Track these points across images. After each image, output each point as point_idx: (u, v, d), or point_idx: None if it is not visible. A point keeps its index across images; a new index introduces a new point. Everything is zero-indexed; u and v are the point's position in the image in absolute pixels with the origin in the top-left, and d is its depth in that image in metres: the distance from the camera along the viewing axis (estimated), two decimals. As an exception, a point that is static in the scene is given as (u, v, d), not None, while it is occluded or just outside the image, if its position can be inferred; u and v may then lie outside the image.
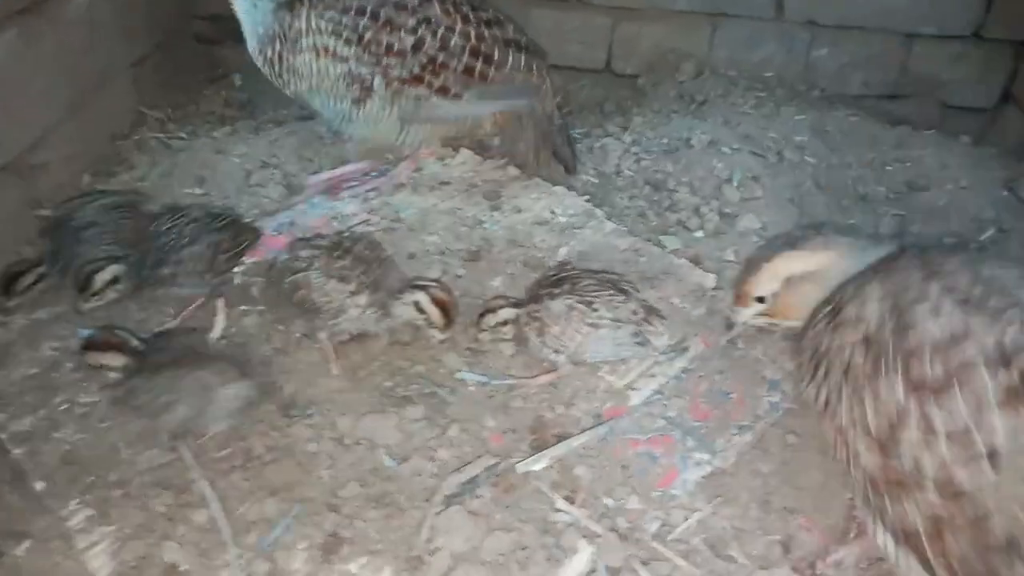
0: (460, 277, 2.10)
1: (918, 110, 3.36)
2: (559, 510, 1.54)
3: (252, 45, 2.28)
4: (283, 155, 2.73)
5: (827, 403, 1.33)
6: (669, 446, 1.69)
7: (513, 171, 2.57)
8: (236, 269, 2.08)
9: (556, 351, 1.78)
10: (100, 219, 2.02)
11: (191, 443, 1.62)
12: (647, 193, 2.61)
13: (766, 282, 1.54)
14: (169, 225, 1.99)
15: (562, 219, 2.34)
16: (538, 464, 1.61)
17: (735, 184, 2.62)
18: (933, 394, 1.13)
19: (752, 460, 1.70)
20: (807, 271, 1.49)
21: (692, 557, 1.49)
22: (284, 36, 2.18)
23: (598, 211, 2.39)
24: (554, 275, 1.84)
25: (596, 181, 2.66)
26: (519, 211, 2.37)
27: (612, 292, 1.79)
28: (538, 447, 1.65)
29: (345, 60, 2.15)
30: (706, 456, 1.67)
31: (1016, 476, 1.06)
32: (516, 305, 1.81)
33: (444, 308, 1.76)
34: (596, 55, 3.56)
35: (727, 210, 2.54)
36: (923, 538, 1.15)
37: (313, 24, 2.14)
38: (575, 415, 1.74)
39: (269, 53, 2.22)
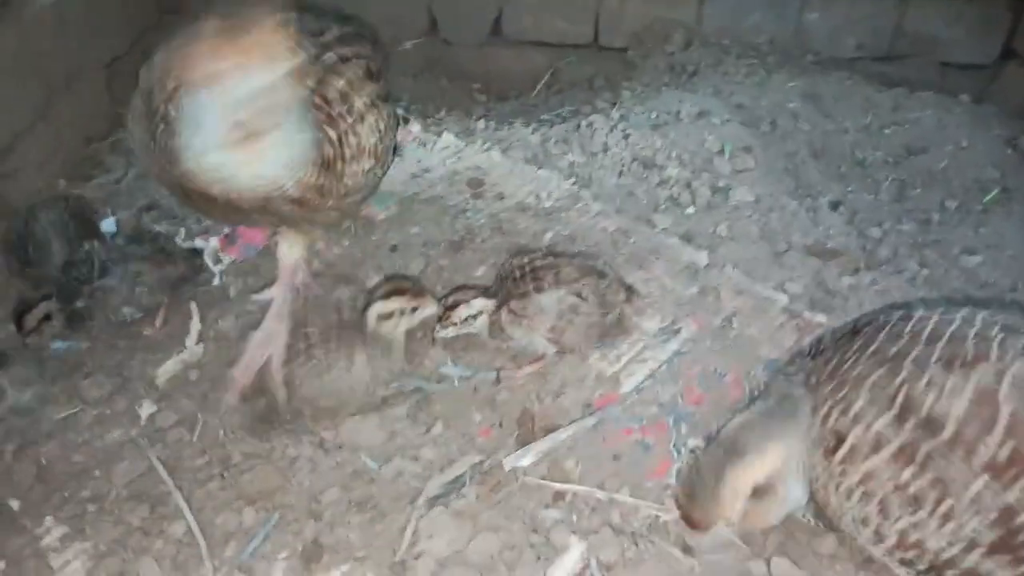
0: (443, 268, 2.03)
1: (915, 71, 3.25)
2: (548, 506, 1.48)
3: None
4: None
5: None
6: (662, 434, 1.62)
7: (496, 156, 2.49)
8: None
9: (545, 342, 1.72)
10: (44, 236, 1.91)
11: (163, 452, 1.57)
12: (636, 170, 2.53)
13: (728, 506, 1.31)
14: (84, 256, 1.85)
15: (547, 203, 2.27)
16: (525, 459, 1.55)
17: (726, 156, 2.54)
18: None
19: (749, 444, 1.64)
20: (769, 473, 1.30)
21: (689, 549, 1.43)
22: None
23: (584, 193, 2.32)
24: (528, 262, 1.75)
25: (583, 160, 2.58)
26: (502, 197, 2.30)
27: (595, 277, 1.73)
28: (526, 441, 1.59)
29: None
30: (701, 443, 1.61)
31: None
32: (485, 294, 1.73)
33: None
34: (583, 29, 3.46)
35: (719, 184, 2.46)
36: None
37: None
38: (564, 405, 1.68)
39: None
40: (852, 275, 2.09)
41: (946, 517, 1.14)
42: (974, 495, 1.12)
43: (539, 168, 2.44)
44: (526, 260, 1.74)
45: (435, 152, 2.53)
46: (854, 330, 1.33)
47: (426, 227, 2.19)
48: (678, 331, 1.85)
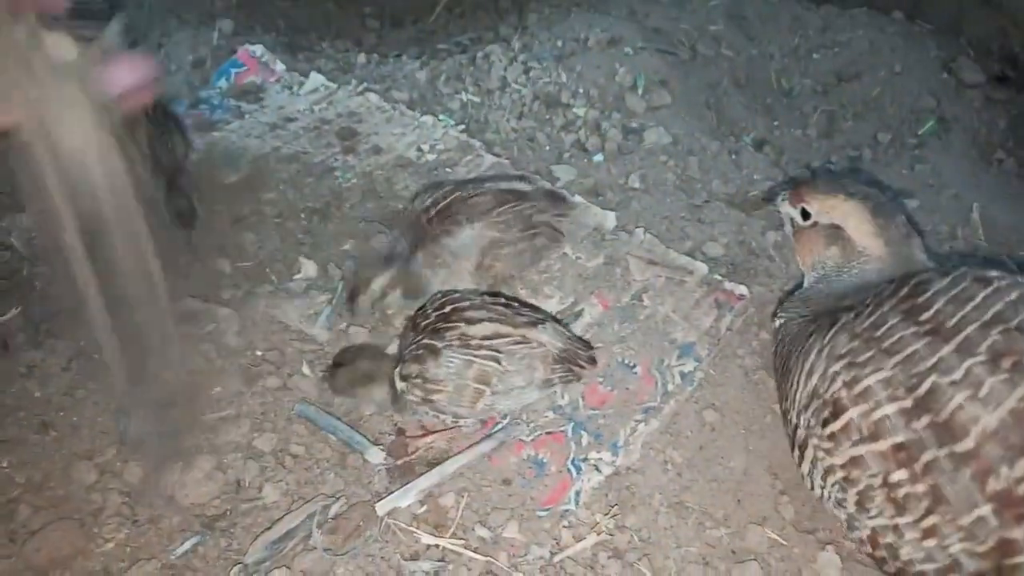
0: (302, 243, 1.69)
1: (846, -17, 2.96)
2: (417, 556, 1.21)
3: None
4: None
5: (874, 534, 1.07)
6: (559, 447, 1.36)
7: (374, 99, 2.12)
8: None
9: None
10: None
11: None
12: (537, 111, 2.20)
13: (824, 206, 1.31)
14: None
15: (430, 157, 1.93)
16: (405, 500, 1.26)
17: (640, 91, 2.23)
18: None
19: (662, 450, 1.39)
20: (856, 227, 1.29)
21: (582, 599, 1.19)
22: None
23: (475, 142, 1.98)
24: (441, 197, 1.52)
25: (477, 100, 2.23)
26: (378, 151, 1.94)
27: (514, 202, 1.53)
28: (404, 475, 1.30)
29: None
30: (605, 455, 1.35)
31: None
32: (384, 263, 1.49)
33: None
34: (483, -57, 3.04)
35: (632, 124, 2.16)
36: None
37: None
38: (447, 421, 1.39)
39: None
40: (777, 229, 1.83)
41: (931, 532, 0.99)
42: (973, 520, 0.95)
43: (423, 113, 2.08)
44: (430, 200, 1.51)
45: (301, 97, 2.13)
46: (916, 283, 1.11)
47: (284, 192, 1.83)
48: (580, 313, 1.57)
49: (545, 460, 1.34)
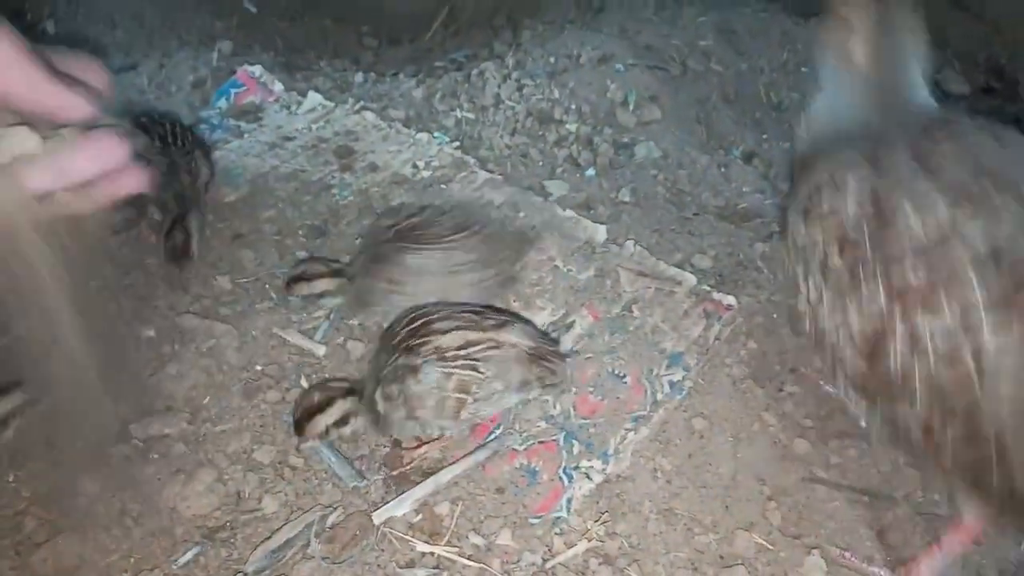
0: (302, 261, 1.73)
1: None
2: (413, 564, 1.24)
3: None
4: (97, 119, 2.27)
5: (808, 301, 1.21)
6: (551, 456, 1.40)
7: (371, 117, 2.17)
8: None
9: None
10: None
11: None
12: (530, 127, 2.25)
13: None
14: None
15: (426, 174, 1.97)
16: (400, 509, 1.30)
17: (631, 107, 2.27)
18: (919, 303, 1.03)
19: (652, 457, 1.43)
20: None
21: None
22: None
23: (469, 159, 2.02)
24: (398, 223, 1.54)
25: (471, 117, 2.27)
26: (375, 169, 1.99)
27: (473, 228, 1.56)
28: (400, 485, 1.34)
29: None
30: (596, 463, 1.39)
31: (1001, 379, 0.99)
32: (334, 272, 1.52)
33: None
34: (478, -39, 3.10)
35: (623, 139, 2.21)
36: (913, 437, 1.11)
37: None
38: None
39: None
40: (765, 241, 1.87)
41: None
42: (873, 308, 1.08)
43: (419, 131, 2.12)
44: (391, 221, 1.54)
45: (299, 116, 2.18)
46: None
47: (283, 209, 1.87)
48: (571, 325, 1.60)
49: (537, 469, 1.38)
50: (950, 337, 1.01)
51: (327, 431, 1.30)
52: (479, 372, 1.30)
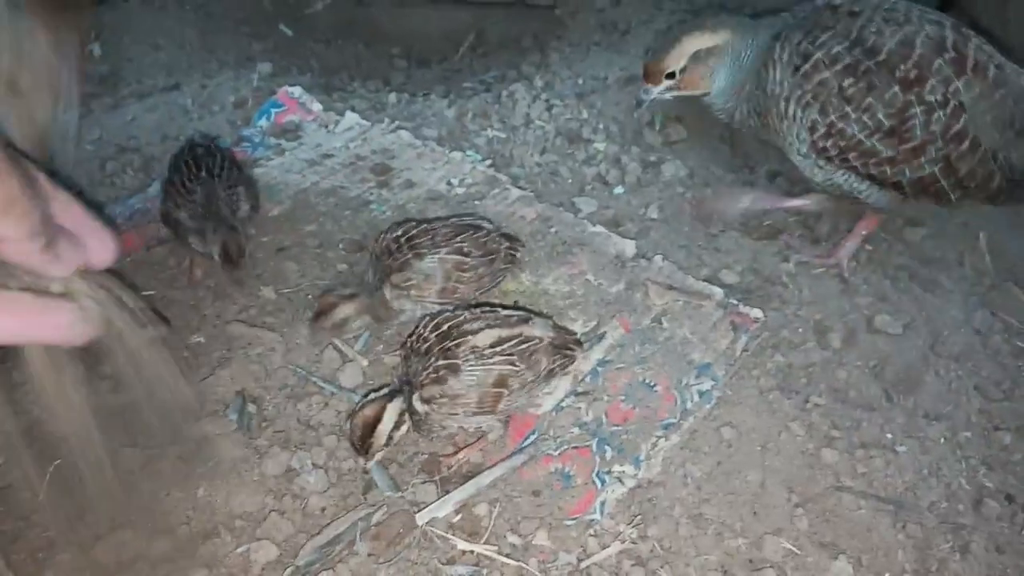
0: (341, 272, 1.81)
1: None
2: (454, 561, 1.29)
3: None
4: (143, 136, 2.38)
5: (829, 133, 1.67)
6: (584, 461, 1.45)
7: (406, 136, 2.25)
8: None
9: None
10: None
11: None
12: (560, 146, 2.31)
13: (677, 59, 1.76)
14: None
15: (460, 190, 2.04)
16: (442, 510, 1.35)
17: (657, 127, 2.34)
18: (918, 86, 1.60)
19: (682, 464, 1.48)
20: (711, 46, 1.75)
21: (613, 599, 1.27)
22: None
23: (501, 176, 2.10)
24: (402, 233, 1.62)
25: (503, 137, 2.35)
26: (411, 186, 2.06)
27: (472, 232, 1.65)
28: (443, 486, 1.40)
29: None
30: (628, 468, 1.44)
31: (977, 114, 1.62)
32: (351, 299, 1.58)
33: None
34: (506, -14, 3.20)
35: (650, 158, 2.27)
36: (940, 177, 1.66)
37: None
38: (472, 435, 1.48)
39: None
40: (790, 261, 1.92)
41: (865, 109, 1.62)
42: (889, 96, 1.61)
43: (452, 149, 2.20)
44: (399, 232, 1.62)
45: (337, 134, 2.27)
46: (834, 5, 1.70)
47: (323, 224, 1.95)
48: (602, 336, 1.66)
49: (571, 473, 1.43)
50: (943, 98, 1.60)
51: (390, 439, 1.35)
52: (515, 366, 1.38)
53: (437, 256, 1.59)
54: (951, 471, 1.53)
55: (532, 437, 1.48)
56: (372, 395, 1.40)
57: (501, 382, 1.37)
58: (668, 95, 1.84)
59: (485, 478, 1.39)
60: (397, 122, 2.33)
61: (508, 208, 1.99)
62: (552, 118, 2.41)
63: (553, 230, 1.92)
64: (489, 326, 1.40)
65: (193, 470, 1.41)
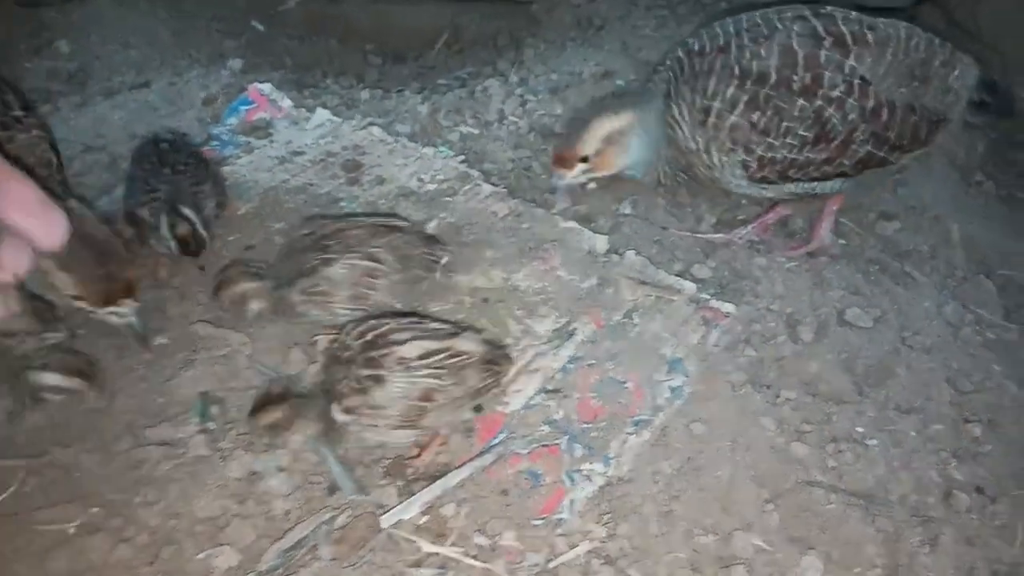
0: (224, 268, 1.75)
1: (831, 15, 3.07)
2: (420, 564, 1.28)
3: None
4: (110, 134, 2.33)
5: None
6: (553, 459, 1.43)
7: (377, 132, 2.22)
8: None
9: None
10: None
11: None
12: (533, 141, 2.30)
13: (591, 143, 1.83)
14: None
15: (431, 186, 2.02)
16: (408, 512, 1.33)
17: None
18: (818, 87, 1.66)
19: (652, 461, 1.47)
20: (621, 127, 1.82)
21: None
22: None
23: (474, 172, 2.07)
24: (313, 232, 1.59)
25: (475, 132, 2.33)
26: (382, 182, 2.04)
27: (389, 235, 1.60)
28: (409, 487, 1.38)
29: None
30: (597, 466, 1.43)
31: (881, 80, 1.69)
32: (253, 276, 1.54)
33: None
34: (483, -19, 3.17)
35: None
36: (876, 150, 1.74)
37: None
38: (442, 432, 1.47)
39: None
40: (764, 255, 1.92)
41: (785, 134, 1.69)
42: (799, 111, 1.67)
43: (424, 145, 2.17)
44: (310, 230, 1.58)
45: (308, 131, 2.24)
46: (698, 50, 1.76)
47: (292, 221, 1.91)
48: (573, 332, 1.65)
49: (540, 472, 1.42)
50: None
51: (268, 428, 1.32)
52: (442, 380, 1.33)
53: (348, 262, 1.53)
54: (922, 464, 1.53)
55: (501, 436, 1.46)
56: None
57: (427, 396, 1.32)
58: (583, 178, 1.89)
59: (452, 479, 1.37)
60: (369, 118, 2.30)
61: (479, 204, 1.97)
62: (526, 113, 2.39)
63: (525, 226, 1.90)
64: (417, 337, 1.35)
65: (152, 474, 1.38)
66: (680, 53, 1.78)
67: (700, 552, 1.35)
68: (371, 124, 2.26)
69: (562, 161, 1.86)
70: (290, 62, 3.06)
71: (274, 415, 1.30)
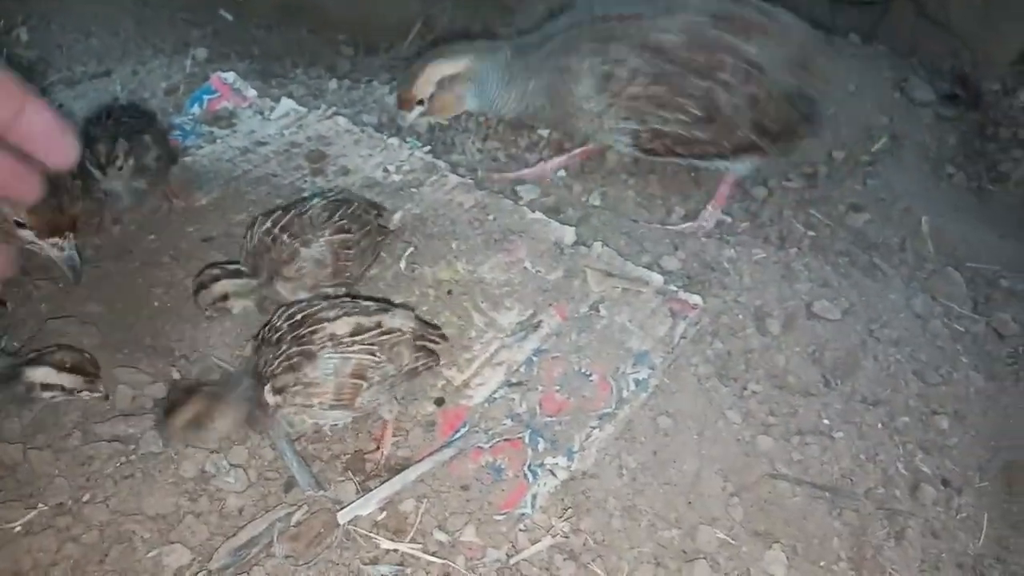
0: (200, 271, 1.72)
1: (804, 6, 3.06)
2: (377, 561, 1.24)
3: None
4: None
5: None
6: (516, 453, 1.41)
7: (343, 122, 2.18)
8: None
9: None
10: None
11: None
12: (503, 133, 2.27)
13: (424, 87, 1.91)
14: None
15: (396, 177, 1.98)
16: (365, 508, 1.30)
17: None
18: (715, 68, 1.77)
19: (617, 455, 1.44)
20: (454, 73, 1.90)
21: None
22: None
23: (440, 163, 2.04)
24: (272, 225, 1.55)
25: (444, 123, 2.29)
26: (346, 172, 2.00)
27: (344, 207, 1.61)
28: (366, 483, 1.34)
29: None
30: (561, 460, 1.40)
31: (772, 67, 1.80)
32: (236, 275, 1.53)
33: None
34: (456, -29, 3.13)
35: (593, 143, 2.22)
36: (756, 136, 1.83)
37: None
38: (405, 427, 1.44)
39: None
40: (732, 244, 1.90)
41: (677, 108, 1.76)
42: (692, 88, 1.74)
43: (391, 136, 2.14)
44: (268, 224, 1.55)
45: (272, 121, 2.19)
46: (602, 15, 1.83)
47: (253, 212, 1.86)
48: (538, 325, 1.62)
49: (503, 466, 1.39)
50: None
51: (198, 418, 1.26)
52: (375, 356, 1.31)
53: (323, 238, 1.54)
54: (888, 456, 1.52)
55: (463, 430, 1.43)
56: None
57: (359, 373, 1.29)
58: (423, 120, 2.00)
59: (411, 473, 1.34)
60: (335, 108, 2.26)
61: (446, 196, 1.93)
62: (496, 104, 2.36)
63: (491, 217, 1.87)
64: (347, 314, 1.32)
65: (103, 471, 1.33)
66: (582, 14, 1.85)
67: (664, 546, 1.33)
68: (337, 114, 2.22)
69: (401, 102, 1.96)
70: (258, 52, 3.01)
71: (188, 412, 1.25)
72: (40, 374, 1.37)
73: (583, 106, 1.81)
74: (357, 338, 1.30)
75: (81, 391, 1.39)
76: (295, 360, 1.27)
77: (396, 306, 1.44)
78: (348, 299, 1.41)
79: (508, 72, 1.90)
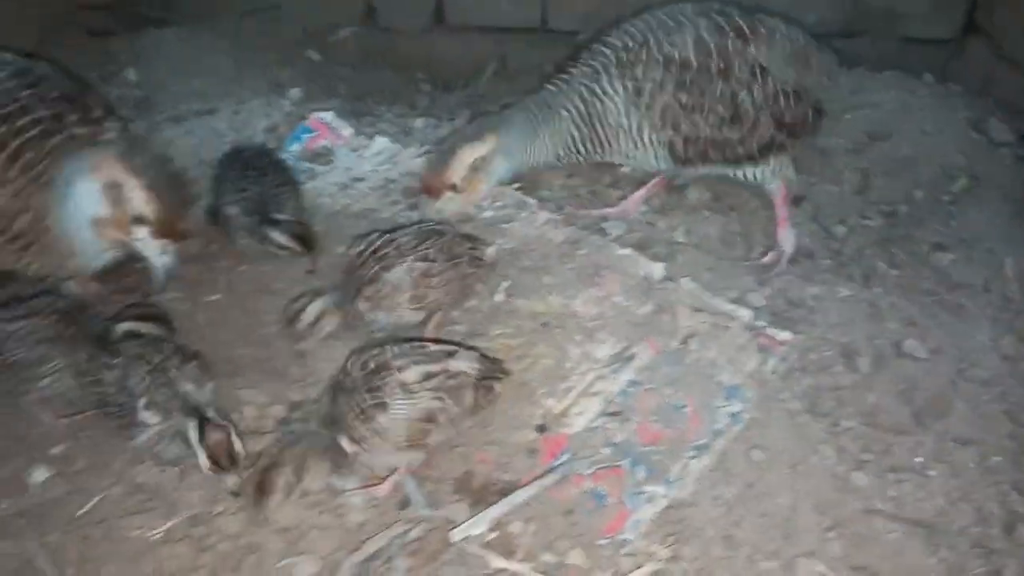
0: (295, 298, 1.82)
1: (875, 47, 3.10)
2: (487, 579, 1.31)
3: None
4: (180, 158, 2.42)
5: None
6: (617, 480, 1.47)
7: (435, 159, 2.29)
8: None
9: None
10: None
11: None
12: (587, 170, 2.35)
13: (458, 171, 1.93)
14: None
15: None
16: (477, 528, 1.37)
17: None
18: (731, 71, 1.90)
19: (713, 486, 1.49)
20: (486, 153, 1.94)
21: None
22: None
23: (530, 200, 2.13)
24: (366, 247, 1.69)
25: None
26: (440, 209, 2.10)
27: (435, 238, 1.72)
28: (476, 505, 1.42)
29: None
30: (660, 488, 1.46)
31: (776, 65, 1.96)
32: (319, 293, 1.66)
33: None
34: (529, 13, 3.25)
35: (675, 181, 2.29)
36: (777, 132, 1.97)
37: None
38: (507, 453, 1.51)
39: None
40: (817, 284, 1.94)
41: (708, 111, 1.90)
42: (718, 92, 1.87)
43: (480, 173, 2.23)
44: (363, 247, 1.68)
45: (368, 158, 2.31)
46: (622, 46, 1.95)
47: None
48: (631, 357, 1.68)
49: (603, 492, 1.45)
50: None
51: (289, 487, 1.36)
52: (443, 401, 1.40)
53: (404, 265, 1.63)
54: (982, 495, 1.53)
55: (564, 456, 1.50)
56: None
57: (430, 417, 1.39)
58: (449, 205, 1.97)
59: (518, 496, 1.41)
60: (426, 146, 2.37)
61: (536, 231, 2.02)
62: (578, 143, 2.44)
63: (581, 252, 1.95)
64: (415, 362, 1.41)
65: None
66: (605, 50, 1.96)
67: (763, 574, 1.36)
68: (429, 152, 2.33)
69: (430, 190, 1.96)
70: (344, 91, 3.15)
71: (279, 490, 1.35)
72: (125, 326, 1.56)
73: (622, 123, 1.93)
74: (425, 384, 1.39)
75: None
76: (368, 411, 1.36)
77: (461, 348, 1.52)
78: (418, 344, 1.49)
79: (534, 119, 1.98)
